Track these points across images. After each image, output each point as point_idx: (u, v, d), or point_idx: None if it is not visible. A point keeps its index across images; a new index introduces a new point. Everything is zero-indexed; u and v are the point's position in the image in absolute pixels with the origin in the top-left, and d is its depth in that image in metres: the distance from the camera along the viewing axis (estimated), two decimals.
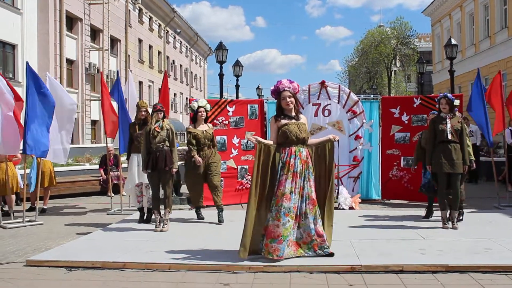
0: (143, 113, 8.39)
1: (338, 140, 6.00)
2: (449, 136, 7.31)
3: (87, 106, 26.78)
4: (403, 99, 11.78)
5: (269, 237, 5.66)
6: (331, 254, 5.71)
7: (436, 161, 7.39)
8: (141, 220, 8.29)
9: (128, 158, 8.66)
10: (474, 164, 7.97)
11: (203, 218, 8.44)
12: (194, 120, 8.35)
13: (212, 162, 8.24)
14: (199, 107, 8.22)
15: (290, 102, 5.86)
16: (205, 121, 8.46)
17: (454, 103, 7.50)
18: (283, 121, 5.86)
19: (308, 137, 5.91)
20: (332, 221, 6.03)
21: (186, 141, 8.74)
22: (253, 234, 5.69)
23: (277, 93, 5.97)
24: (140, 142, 8.11)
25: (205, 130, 8.22)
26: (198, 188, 8.29)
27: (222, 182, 10.21)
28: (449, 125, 7.35)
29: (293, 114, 5.93)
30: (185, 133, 8.42)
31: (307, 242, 5.75)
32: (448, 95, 7.61)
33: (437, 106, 7.78)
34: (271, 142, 5.94)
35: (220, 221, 8.03)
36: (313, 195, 5.79)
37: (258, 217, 5.74)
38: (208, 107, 8.41)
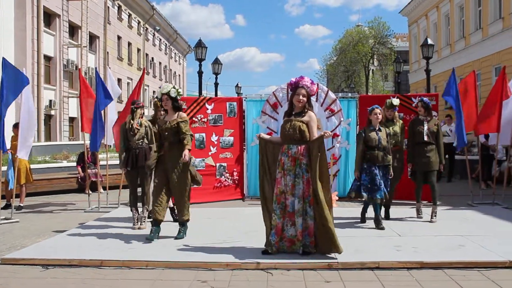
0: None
1: (326, 136, 5.86)
2: (425, 138, 7.88)
3: (65, 103, 26.46)
4: (380, 98, 11.85)
5: (278, 234, 5.79)
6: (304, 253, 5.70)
7: (414, 160, 8.06)
8: (175, 219, 7.86)
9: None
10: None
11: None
12: (165, 110, 7.14)
13: (173, 160, 6.81)
14: (162, 94, 6.90)
15: (301, 100, 5.83)
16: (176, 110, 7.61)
17: (430, 106, 8.16)
18: (285, 118, 5.97)
19: (299, 134, 5.76)
20: (328, 220, 5.71)
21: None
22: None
23: (294, 87, 5.93)
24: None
25: (169, 121, 6.83)
26: (157, 190, 6.88)
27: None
28: (426, 128, 7.90)
29: (298, 111, 5.89)
30: None
31: (300, 240, 5.76)
32: (424, 99, 8.19)
33: (413, 105, 8.34)
34: (275, 140, 6.14)
35: (178, 238, 6.77)
36: (305, 192, 5.76)
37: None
38: (173, 92, 6.82)
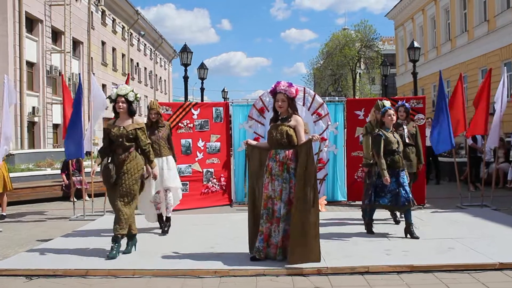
0: (153, 116, 7.73)
1: (314, 139, 5.80)
2: (407, 140, 7.98)
3: (48, 109, 26.18)
4: (367, 101, 11.86)
5: (265, 240, 5.73)
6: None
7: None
8: (162, 229, 7.66)
9: None
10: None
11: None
12: (115, 113, 6.45)
13: (127, 171, 6.22)
14: (118, 96, 6.31)
15: (281, 105, 5.83)
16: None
17: (410, 111, 8.47)
18: (271, 123, 5.97)
19: (287, 139, 5.72)
20: (308, 229, 5.56)
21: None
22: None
23: (273, 94, 5.95)
24: (160, 144, 7.66)
25: (123, 127, 6.28)
26: (112, 204, 6.32)
27: (187, 186, 10.13)
28: (406, 131, 8.04)
29: (284, 116, 5.87)
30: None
31: (281, 246, 5.69)
32: (406, 104, 8.39)
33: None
34: (262, 145, 6.11)
35: (126, 252, 6.25)
36: (291, 196, 5.69)
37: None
38: (132, 96, 6.32)
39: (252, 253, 5.81)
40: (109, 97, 6.44)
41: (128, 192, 6.13)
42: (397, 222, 7.89)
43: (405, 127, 8.10)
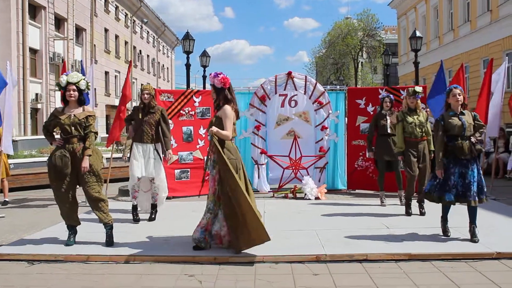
0: (145, 95, 7.59)
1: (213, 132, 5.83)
2: (389, 130, 8.48)
3: (51, 96, 26.24)
4: (368, 90, 11.90)
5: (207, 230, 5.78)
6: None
7: (379, 152, 8.66)
8: (135, 219, 7.54)
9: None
10: (432, 154, 8.15)
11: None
12: (64, 101, 6.14)
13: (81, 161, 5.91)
14: (68, 83, 5.97)
15: (212, 97, 5.89)
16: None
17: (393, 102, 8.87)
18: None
19: (214, 130, 5.69)
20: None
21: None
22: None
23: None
24: (144, 131, 7.51)
25: (74, 115, 5.97)
26: (62, 195, 6.05)
27: (189, 173, 10.17)
28: (388, 121, 8.40)
29: (219, 106, 5.86)
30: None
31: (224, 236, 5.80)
32: (391, 95, 8.89)
33: (401, 97, 8.96)
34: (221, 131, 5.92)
35: (108, 242, 6.04)
36: (212, 187, 5.84)
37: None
38: (83, 84, 6.03)
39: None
40: (58, 84, 6.09)
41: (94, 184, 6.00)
42: (422, 213, 7.70)
43: (388, 118, 8.63)
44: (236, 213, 5.58)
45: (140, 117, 7.60)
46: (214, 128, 5.68)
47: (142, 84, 42.42)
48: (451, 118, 6.05)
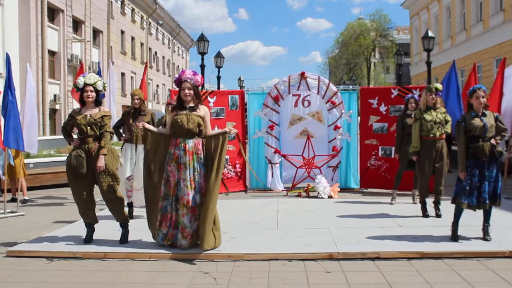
0: (136, 101, 7.95)
1: (237, 134, 5.98)
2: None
3: (69, 97, 26.46)
4: (381, 90, 11.91)
5: (172, 226, 5.82)
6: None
7: (403, 149, 8.53)
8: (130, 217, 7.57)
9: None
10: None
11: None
12: (81, 102, 6.23)
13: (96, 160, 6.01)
14: (86, 84, 6.09)
15: (188, 94, 5.87)
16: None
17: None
18: (177, 112, 5.92)
19: (199, 129, 5.84)
20: (212, 217, 5.73)
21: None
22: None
23: (178, 83, 5.99)
24: (134, 132, 7.78)
25: (90, 115, 6.08)
26: (79, 194, 6.13)
27: None
28: (412, 120, 7.96)
29: (191, 105, 5.92)
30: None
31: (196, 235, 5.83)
32: (416, 96, 8.95)
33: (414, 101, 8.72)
34: (158, 130, 6.06)
35: (123, 240, 6.15)
36: (201, 186, 5.83)
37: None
38: (100, 85, 6.17)
39: (158, 239, 5.91)
40: (75, 86, 6.18)
41: (110, 182, 6.10)
42: (438, 215, 7.53)
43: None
44: (215, 215, 5.82)
45: (131, 121, 7.91)
46: (233, 129, 5.93)
47: (157, 86, 42.75)
48: (473, 119, 5.95)
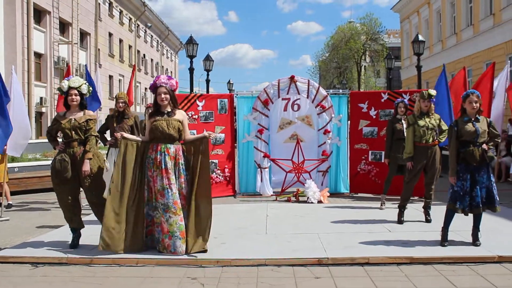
0: (120, 104, 8.07)
1: (212, 137, 6.03)
2: (405, 134, 7.83)
3: (55, 100, 26.31)
4: (371, 94, 11.92)
5: (163, 232, 5.76)
6: (203, 251, 5.71)
7: (393, 154, 8.59)
8: None
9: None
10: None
11: None
12: (66, 106, 6.14)
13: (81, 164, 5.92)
14: (70, 88, 6.01)
15: (164, 99, 5.88)
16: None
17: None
18: (154, 118, 5.90)
19: (178, 134, 5.87)
20: (205, 222, 5.79)
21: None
22: (112, 229, 5.72)
23: (154, 88, 5.99)
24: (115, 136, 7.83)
25: (75, 119, 6.01)
26: (65, 199, 6.06)
27: None
28: (404, 125, 8.17)
29: (168, 110, 5.93)
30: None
31: (184, 238, 5.78)
32: (405, 100, 8.98)
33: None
34: (137, 138, 6.07)
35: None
36: (184, 191, 5.83)
37: (128, 211, 5.80)
38: (85, 89, 6.09)
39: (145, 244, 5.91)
40: (59, 89, 6.15)
41: (95, 188, 6.07)
42: (428, 220, 7.51)
43: (403, 121, 8.43)
44: (207, 218, 5.81)
45: (115, 124, 7.99)
46: (212, 133, 5.99)
47: (145, 89, 42.64)
48: (465, 124, 5.96)
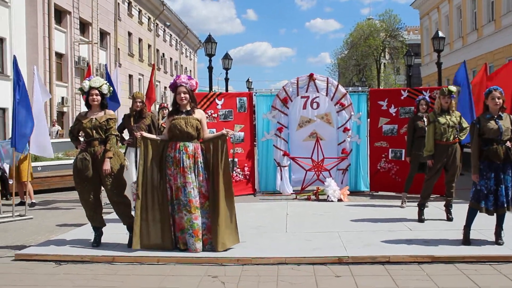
0: (138, 104, 8.18)
1: (230, 134, 6.07)
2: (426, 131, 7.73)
3: (77, 99, 26.64)
4: (390, 92, 11.86)
5: (178, 229, 5.86)
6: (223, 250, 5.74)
7: (415, 152, 8.45)
8: None
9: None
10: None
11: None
12: (87, 106, 6.22)
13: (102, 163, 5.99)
14: (91, 88, 6.10)
15: (184, 98, 5.93)
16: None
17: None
18: (173, 116, 5.96)
19: (197, 133, 5.92)
20: (232, 218, 5.91)
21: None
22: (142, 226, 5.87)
23: (174, 87, 6.05)
24: (134, 136, 7.86)
25: (95, 118, 6.10)
26: (86, 198, 6.12)
27: None
28: (426, 122, 7.82)
29: (187, 109, 5.99)
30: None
31: (200, 236, 5.83)
32: (427, 97, 8.94)
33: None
34: (155, 136, 6.15)
35: (130, 244, 6.04)
36: (203, 189, 5.87)
37: (153, 209, 5.91)
38: (105, 89, 6.17)
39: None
40: (81, 89, 6.22)
41: (117, 186, 6.15)
42: (449, 219, 7.40)
43: (425, 119, 8.19)
44: (231, 215, 5.92)
45: (132, 123, 8.08)
46: (230, 131, 6.09)
47: (164, 88, 42.88)
48: (487, 121, 5.86)
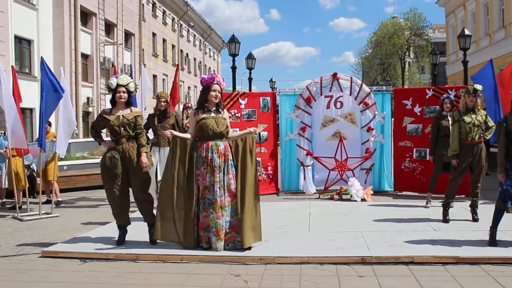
0: (162, 103, 8.27)
1: (259, 133, 6.10)
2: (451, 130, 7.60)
3: (102, 100, 26.98)
4: (415, 91, 11.73)
5: (202, 228, 5.86)
6: (247, 249, 5.74)
7: (439, 151, 8.38)
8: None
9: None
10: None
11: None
12: (112, 103, 6.27)
13: (133, 160, 6.10)
14: (118, 85, 6.15)
15: (218, 97, 5.98)
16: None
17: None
18: (202, 115, 5.94)
19: (227, 131, 5.98)
20: (257, 216, 5.93)
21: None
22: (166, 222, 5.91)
23: (208, 84, 6.01)
24: (160, 135, 8.01)
25: (123, 115, 6.14)
26: (114, 196, 6.15)
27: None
28: (450, 122, 7.76)
29: (214, 108, 6.01)
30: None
31: (226, 234, 5.84)
32: (451, 96, 8.85)
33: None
34: (188, 136, 6.05)
35: (152, 241, 6.16)
36: (232, 187, 5.86)
37: (177, 208, 5.89)
38: (132, 86, 6.24)
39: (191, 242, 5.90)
40: (108, 86, 6.26)
41: (144, 183, 6.21)
42: (475, 219, 7.31)
43: (449, 118, 8.13)
44: (256, 212, 5.94)
45: (156, 123, 8.16)
46: (256, 129, 6.16)
47: (188, 88, 43.12)
48: None
